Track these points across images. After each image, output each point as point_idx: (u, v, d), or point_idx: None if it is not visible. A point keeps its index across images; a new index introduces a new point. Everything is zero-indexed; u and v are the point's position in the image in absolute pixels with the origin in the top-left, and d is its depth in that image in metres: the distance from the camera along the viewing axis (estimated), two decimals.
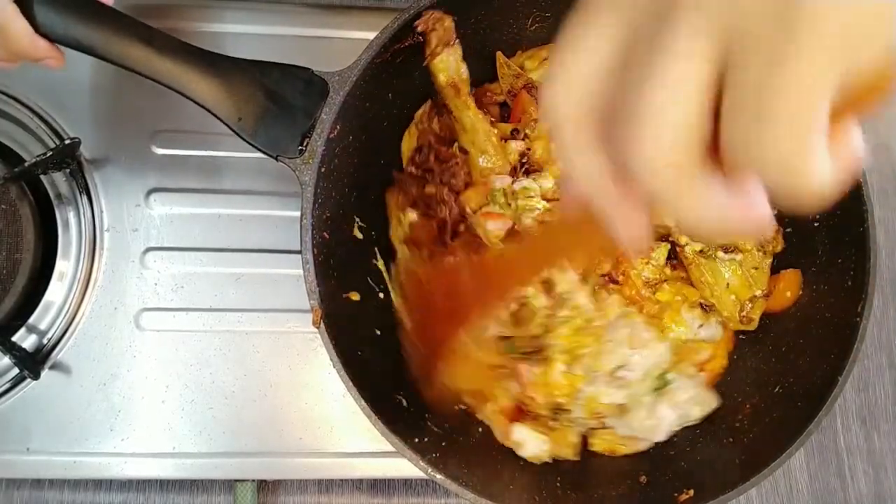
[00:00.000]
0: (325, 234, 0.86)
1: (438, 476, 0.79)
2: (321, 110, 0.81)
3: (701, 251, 0.92)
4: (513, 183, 0.92)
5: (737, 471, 0.82)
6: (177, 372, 0.99)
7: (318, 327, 0.79)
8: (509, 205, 0.92)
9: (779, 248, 0.95)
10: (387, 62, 0.86)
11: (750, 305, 0.93)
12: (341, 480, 1.04)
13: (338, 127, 0.82)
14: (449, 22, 0.87)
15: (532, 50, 1.00)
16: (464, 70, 0.92)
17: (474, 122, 0.93)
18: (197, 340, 1.01)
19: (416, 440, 0.84)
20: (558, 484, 0.90)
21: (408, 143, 0.99)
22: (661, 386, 0.88)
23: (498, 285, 0.66)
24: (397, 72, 0.91)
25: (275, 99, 0.81)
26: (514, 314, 0.88)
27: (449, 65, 0.89)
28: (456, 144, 0.96)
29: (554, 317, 0.88)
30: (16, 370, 0.96)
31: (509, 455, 0.93)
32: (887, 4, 0.29)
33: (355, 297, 0.95)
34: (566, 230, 0.53)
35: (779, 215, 0.96)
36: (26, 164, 0.93)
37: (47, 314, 0.98)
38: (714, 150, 0.34)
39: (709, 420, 0.93)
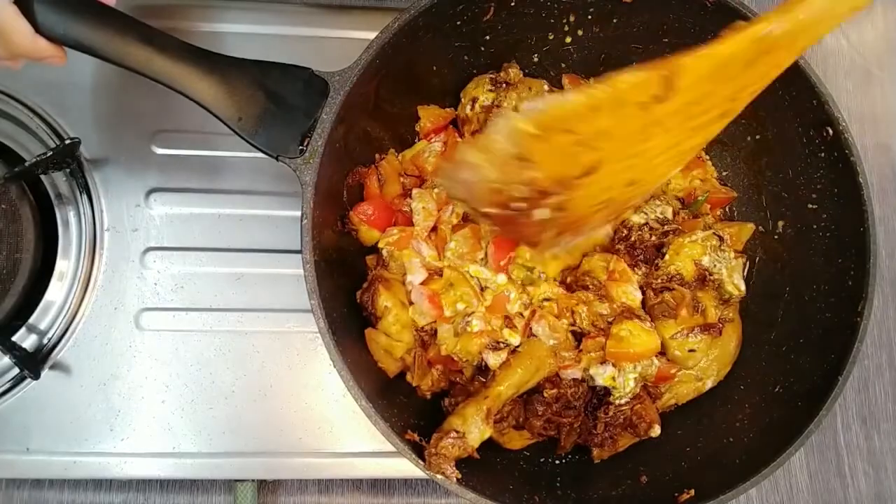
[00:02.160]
0: (325, 233, 0.86)
1: (438, 476, 0.79)
2: (321, 110, 0.81)
3: None
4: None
5: (737, 470, 0.82)
6: (177, 372, 0.99)
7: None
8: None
9: None
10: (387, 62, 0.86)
11: None
12: (341, 480, 1.04)
13: (338, 127, 0.82)
14: None
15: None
16: None
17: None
18: (197, 340, 1.00)
19: (417, 440, 0.84)
20: (558, 484, 0.90)
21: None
22: None
23: None
24: (398, 71, 0.92)
25: (275, 99, 0.81)
26: None
27: None
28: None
29: None
30: (16, 370, 0.96)
31: (510, 455, 0.94)
32: None
33: (357, 296, 0.95)
34: None
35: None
36: (27, 164, 0.93)
37: (47, 314, 0.98)
38: None
39: (710, 420, 0.94)
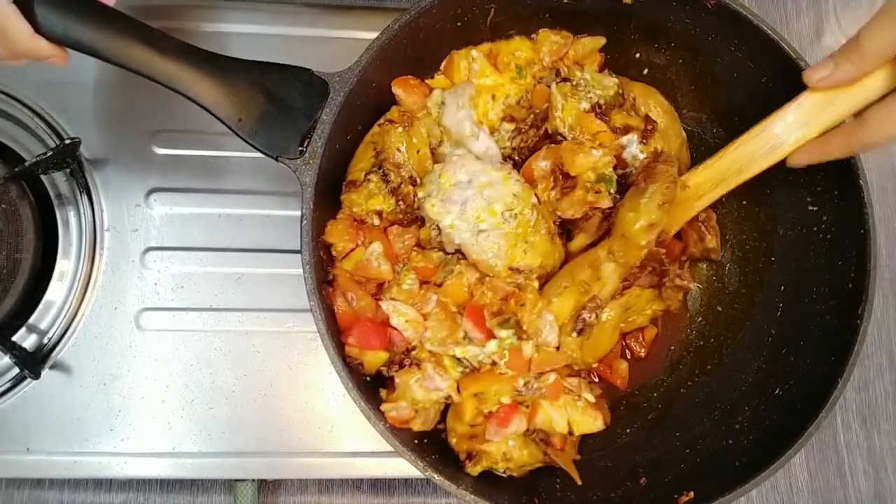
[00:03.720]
0: (325, 233, 0.86)
1: (437, 477, 0.79)
2: (322, 111, 0.81)
3: None
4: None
5: (736, 472, 0.82)
6: (177, 372, 0.99)
7: None
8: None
9: None
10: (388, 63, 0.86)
11: None
12: (341, 480, 1.05)
13: (338, 127, 0.82)
14: None
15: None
16: None
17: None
18: (197, 340, 1.01)
19: (416, 441, 0.85)
20: (557, 485, 0.90)
21: None
22: None
23: None
24: (398, 72, 0.92)
25: (275, 100, 0.81)
26: None
27: None
28: None
29: None
30: (16, 370, 0.96)
31: None
32: None
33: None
34: None
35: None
36: (27, 164, 0.93)
37: (47, 314, 0.99)
38: None
39: (709, 422, 0.94)
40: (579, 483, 0.89)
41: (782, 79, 0.87)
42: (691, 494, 0.82)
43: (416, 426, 0.87)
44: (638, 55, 1.00)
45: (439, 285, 0.89)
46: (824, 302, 0.88)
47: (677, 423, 0.95)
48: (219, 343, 1.01)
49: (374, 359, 0.88)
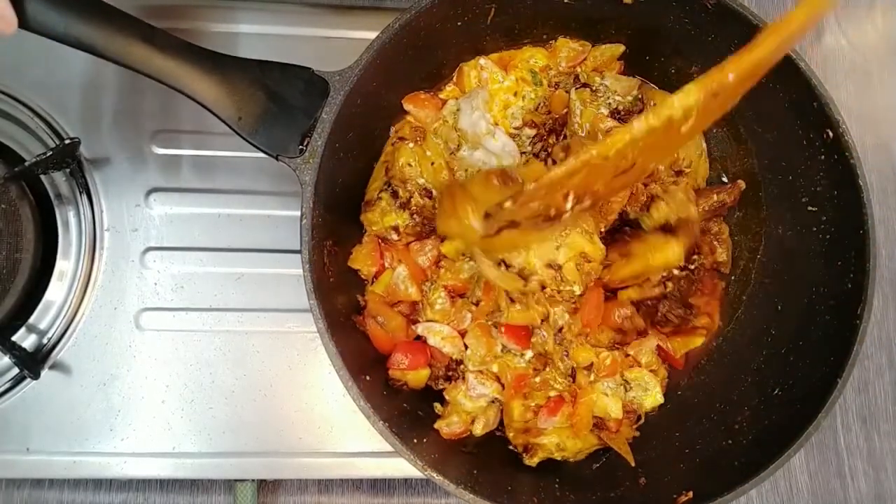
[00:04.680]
0: (324, 233, 0.86)
1: (437, 477, 0.79)
2: (322, 110, 0.81)
3: None
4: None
5: (736, 472, 0.82)
6: (177, 372, 0.99)
7: None
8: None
9: None
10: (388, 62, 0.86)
11: None
12: (341, 480, 1.04)
13: (338, 127, 0.82)
14: None
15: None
16: None
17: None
18: (197, 340, 1.01)
19: (416, 441, 0.84)
20: (557, 485, 0.90)
21: None
22: None
23: None
24: (398, 71, 0.92)
25: (275, 98, 0.81)
26: None
27: None
28: None
29: None
30: (16, 370, 0.96)
31: (509, 456, 0.94)
32: None
33: (356, 296, 0.95)
34: None
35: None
36: (27, 164, 0.93)
37: (47, 314, 0.98)
38: None
39: (709, 422, 0.94)
40: (633, 464, 0.91)
41: (782, 79, 0.87)
42: (690, 494, 0.82)
43: (478, 430, 0.92)
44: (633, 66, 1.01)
45: (476, 304, 0.93)
46: (824, 302, 0.89)
47: (677, 422, 0.95)
48: (219, 343, 1.01)
49: (416, 377, 0.93)
